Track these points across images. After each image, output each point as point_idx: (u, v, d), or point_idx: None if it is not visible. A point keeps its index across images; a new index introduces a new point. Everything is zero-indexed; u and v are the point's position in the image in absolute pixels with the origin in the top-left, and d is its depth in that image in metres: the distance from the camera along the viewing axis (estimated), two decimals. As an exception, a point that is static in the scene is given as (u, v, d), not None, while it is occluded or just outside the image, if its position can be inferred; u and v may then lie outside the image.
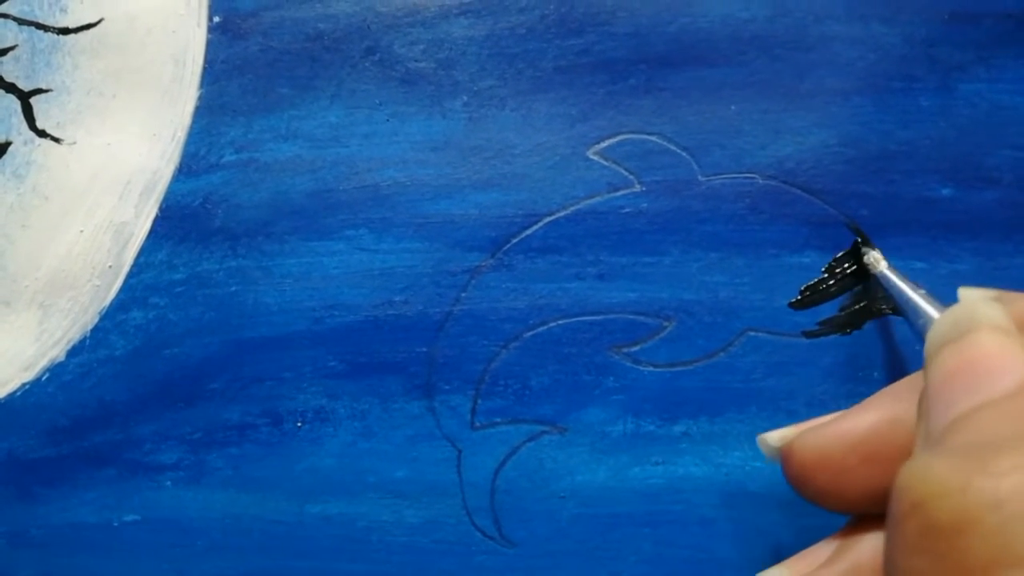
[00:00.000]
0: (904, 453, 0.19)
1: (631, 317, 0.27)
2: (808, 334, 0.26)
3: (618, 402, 0.26)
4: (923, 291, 0.23)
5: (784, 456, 0.22)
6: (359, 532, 0.26)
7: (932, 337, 0.19)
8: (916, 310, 0.23)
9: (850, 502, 0.22)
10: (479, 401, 0.27)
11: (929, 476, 0.16)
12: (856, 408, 0.22)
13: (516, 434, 0.27)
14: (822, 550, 0.22)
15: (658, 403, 0.26)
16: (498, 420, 0.27)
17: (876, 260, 0.26)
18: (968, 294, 0.20)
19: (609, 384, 0.27)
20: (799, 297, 0.27)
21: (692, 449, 0.26)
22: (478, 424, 0.27)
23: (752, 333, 0.27)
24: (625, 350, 0.27)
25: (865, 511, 0.22)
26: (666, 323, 0.27)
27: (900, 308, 0.24)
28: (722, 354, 0.26)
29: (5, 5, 0.30)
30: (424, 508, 0.26)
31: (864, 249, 0.26)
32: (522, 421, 0.27)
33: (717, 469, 0.26)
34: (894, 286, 0.24)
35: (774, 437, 0.23)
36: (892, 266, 0.26)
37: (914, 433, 0.19)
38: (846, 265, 0.27)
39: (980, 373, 0.17)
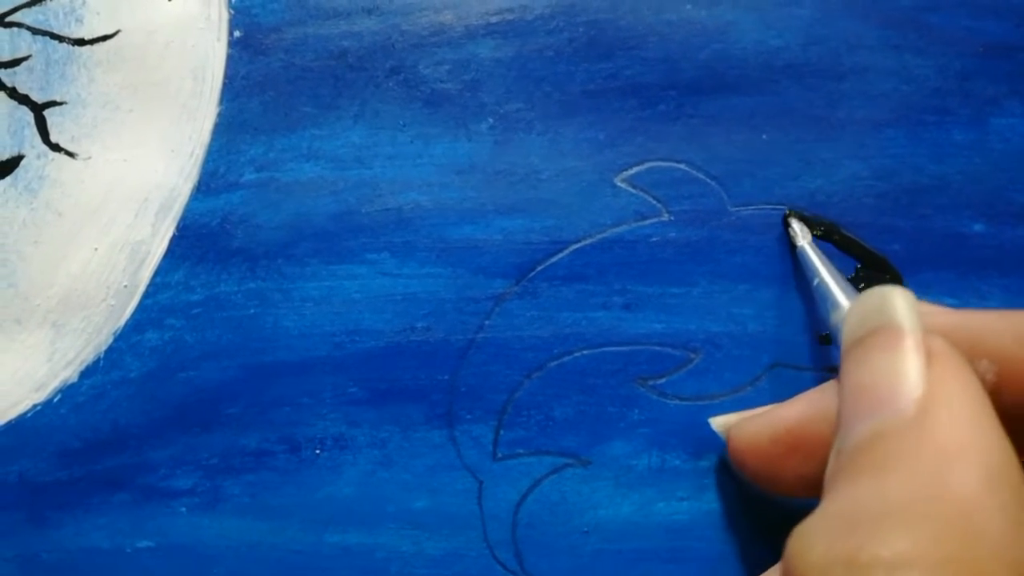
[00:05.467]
0: (828, 446, 0.19)
1: (657, 349, 0.26)
2: (837, 369, 0.26)
3: (643, 435, 0.26)
4: (839, 275, 0.23)
5: (727, 441, 0.24)
6: (378, 563, 0.26)
7: (845, 334, 0.20)
8: (826, 295, 0.23)
9: (783, 487, 0.23)
10: (501, 431, 0.26)
11: (807, 556, 0.16)
12: (789, 401, 0.23)
13: (539, 466, 0.26)
14: None
15: (684, 437, 0.26)
16: (520, 451, 0.26)
17: (798, 232, 0.26)
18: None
19: (634, 417, 0.26)
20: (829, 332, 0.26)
21: (718, 484, 0.26)
22: (500, 455, 0.26)
23: (780, 367, 0.26)
24: (651, 382, 0.26)
25: (799, 496, 0.23)
26: (693, 355, 0.26)
27: (812, 291, 0.24)
28: (749, 388, 0.26)
29: (19, 14, 0.29)
30: (444, 540, 0.26)
31: (791, 220, 0.26)
32: (545, 453, 0.26)
33: (744, 505, 0.26)
34: (810, 264, 0.25)
35: (718, 422, 0.25)
36: (815, 245, 0.25)
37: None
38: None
39: (880, 390, 0.18)
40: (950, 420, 0.17)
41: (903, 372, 0.17)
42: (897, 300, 0.19)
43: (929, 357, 0.18)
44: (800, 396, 0.23)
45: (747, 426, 0.24)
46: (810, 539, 0.16)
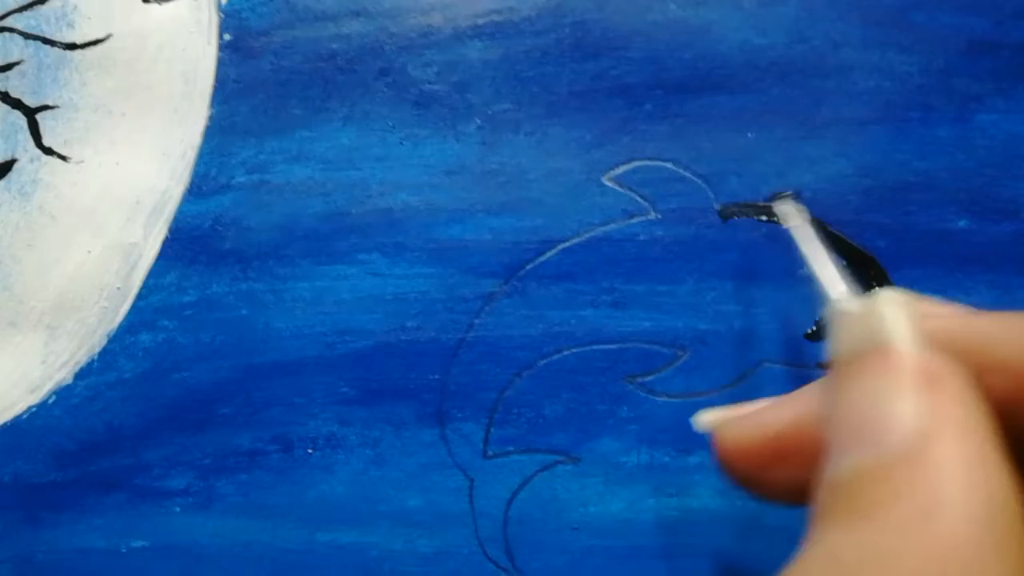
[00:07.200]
0: (820, 451, 0.17)
1: (646, 346, 0.27)
2: (825, 365, 0.26)
3: (632, 432, 0.26)
4: (831, 266, 0.21)
5: (713, 440, 0.21)
6: (371, 561, 0.26)
7: (833, 348, 0.18)
8: (821, 284, 0.21)
9: (772, 492, 0.21)
10: (492, 429, 0.27)
11: None
12: (779, 400, 0.21)
13: (529, 464, 0.26)
14: None
15: (673, 434, 0.26)
16: (511, 449, 0.27)
17: (787, 214, 0.25)
18: (881, 300, 0.17)
19: (623, 414, 0.26)
20: (816, 328, 0.26)
21: (707, 481, 0.26)
22: (491, 453, 0.27)
23: (768, 364, 0.26)
24: (640, 380, 0.27)
25: (789, 502, 0.20)
26: (681, 353, 0.27)
27: (809, 275, 0.22)
28: (738, 385, 0.26)
29: (11, 19, 0.29)
30: (436, 538, 0.26)
31: (775, 206, 0.26)
32: (535, 450, 0.26)
33: (732, 502, 0.26)
34: (806, 249, 0.22)
35: (704, 420, 0.22)
36: (809, 225, 0.23)
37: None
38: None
39: (870, 421, 0.16)
40: (945, 459, 0.15)
41: (897, 402, 0.16)
42: (896, 315, 0.17)
43: (929, 383, 0.16)
44: (795, 394, 0.21)
45: (736, 427, 0.21)
46: None
